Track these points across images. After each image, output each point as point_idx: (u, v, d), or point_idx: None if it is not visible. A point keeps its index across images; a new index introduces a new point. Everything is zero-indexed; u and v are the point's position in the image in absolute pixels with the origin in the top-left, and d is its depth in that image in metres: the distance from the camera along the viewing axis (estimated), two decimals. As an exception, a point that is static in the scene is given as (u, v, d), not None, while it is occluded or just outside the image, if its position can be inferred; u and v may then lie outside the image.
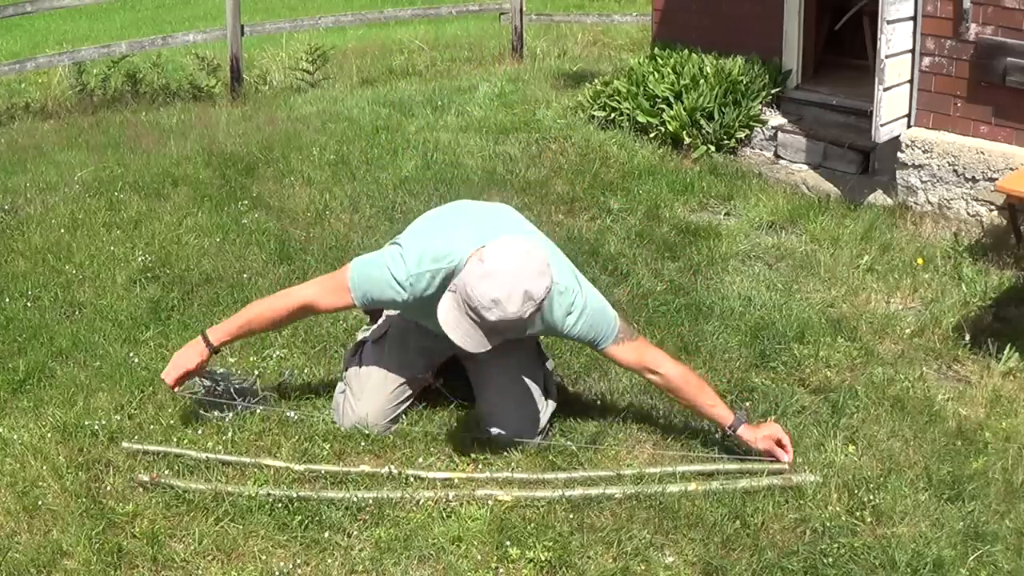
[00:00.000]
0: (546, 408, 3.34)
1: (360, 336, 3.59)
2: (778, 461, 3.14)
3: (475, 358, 3.38)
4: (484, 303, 2.78)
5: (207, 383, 3.38)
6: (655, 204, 5.39)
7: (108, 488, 3.03)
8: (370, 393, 3.34)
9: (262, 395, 3.46)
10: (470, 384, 3.45)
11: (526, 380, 3.31)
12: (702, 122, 6.22)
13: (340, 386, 3.46)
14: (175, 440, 3.26)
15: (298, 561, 2.79)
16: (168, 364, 3.26)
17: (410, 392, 3.40)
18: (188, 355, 3.24)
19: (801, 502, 3.00)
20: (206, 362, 3.26)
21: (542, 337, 3.52)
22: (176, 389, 3.26)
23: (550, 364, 3.51)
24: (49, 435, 3.28)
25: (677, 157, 6.14)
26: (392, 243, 3.15)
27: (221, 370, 3.47)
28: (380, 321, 3.52)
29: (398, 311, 3.33)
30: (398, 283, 3.02)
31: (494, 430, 3.28)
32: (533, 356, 3.41)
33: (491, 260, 2.83)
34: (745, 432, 3.17)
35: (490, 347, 2.88)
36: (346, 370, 3.48)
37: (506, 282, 2.78)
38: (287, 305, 3.21)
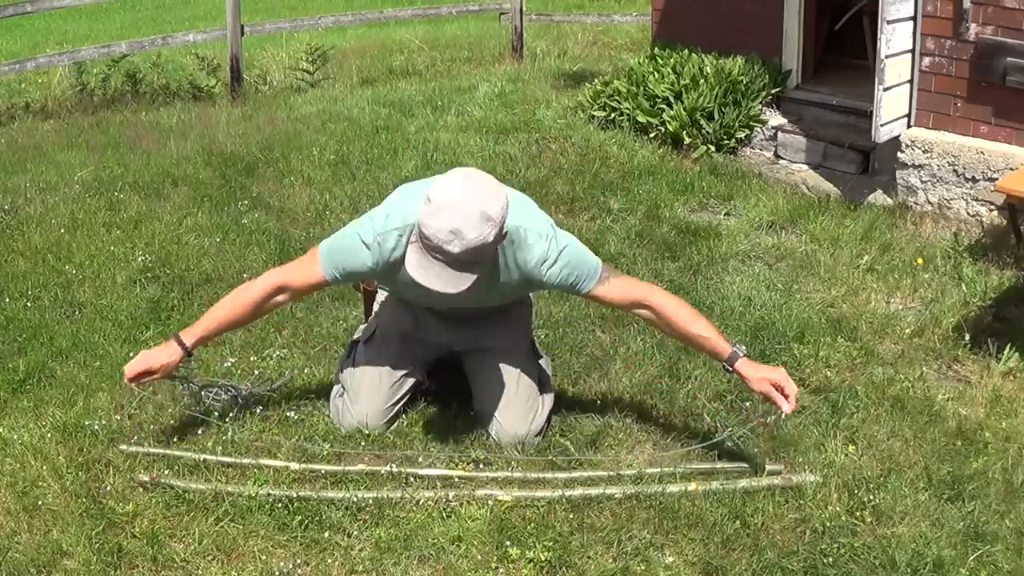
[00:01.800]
0: (543, 405, 3.34)
1: (353, 337, 3.59)
2: (776, 406, 2.97)
3: (471, 356, 3.39)
4: (443, 237, 2.68)
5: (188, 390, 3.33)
6: (655, 204, 5.39)
7: (108, 488, 3.03)
8: (366, 393, 3.34)
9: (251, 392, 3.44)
10: (467, 385, 3.45)
11: (522, 378, 3.31)
12: (702, 122, 6.22)
13: (336, 388, 3.47)
14: (175, 440, 3.26)
15: (298, 561, 2.79)
16: (136, 358, 3.11)
17: (406, 389, 3.39)
18: (158, 354, 3.09)
19: (801, 502, 3.00)
20: (177, 364, 3.13)
21: (537, 335, 3.52)
22: (133, 385, 3.10)
23: (547, 363, 3.51)
24: (49, 435, 3.28)
25: (677, 157, 6.14)
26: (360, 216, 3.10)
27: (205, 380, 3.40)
28: (371, 320, 3.52)
29: (379, 286, 3.23)
30: (365, 244, 2.95)
31: (492, 429, 3.28)
32: (528, 353, 3.41)
33: (438, 196, 2.72)
34: (743, 367, 2.98)
35: (468, 286, 2.76)
36: (341, 372, 3.48)
37: (459, 210, 2.69)
38: (260, 288, 3.10)
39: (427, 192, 2.75)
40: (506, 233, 2.86)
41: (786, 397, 2.95)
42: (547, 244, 2.96)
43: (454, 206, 2.69)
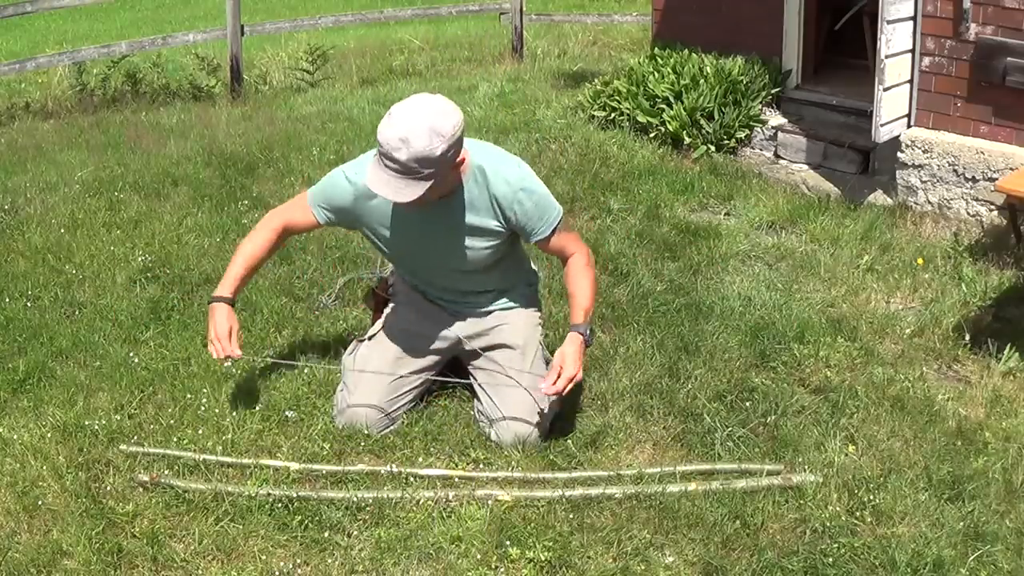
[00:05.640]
0: (549, 407, 3.33)
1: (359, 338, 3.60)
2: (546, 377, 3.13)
3: (476, 358, 3.40)
4: (393, 144, 2.88)
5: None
6: (655, 204, 5.39)
7: (108, 488, 3.03)
8: (363, 387, 3.34)
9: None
10: (467, 385, 3.46)
11: (530, 380, 3.31)
12: (702, 122, 6.22)
13: (339, 386, 3.47)
14: (175, 440, 3.27)
15: (298, 561, 2.79)
16: (212, 345, 3.25)
17: (407, 389, 3.39)
18: (219, 323, 3.27)
19: (801, 502, 3.00)
20: (234, 316, 3.31)
21: (543, 334, 3.52)
22: (238, 355, 3.28)
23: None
24: (49, 435, 3.28)
25: (677, 157, 6.14)
26: None
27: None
28: (377, 322, 3.53)
29: (356, 224, 3.37)
30: (345, 177, 3.22)
31: (494, 430, 3.28)
32: (538, 354, 3.41)
33: (396, 108, 2.95)
34: (568, 341, 3.15)
35: (418, 195, 2.93)
36: (343, 369, 3.49)
37: (410, 120, 2.89)
38: (266, 226, 3.38)
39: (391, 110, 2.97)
40: (480, 167, 3.13)
41: (559, 379, 3.09)
42: (520, 171, 3.18)
43: (407, 117, 2.91)
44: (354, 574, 2.78)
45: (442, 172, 2.96)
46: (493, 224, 3.20)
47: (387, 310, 3.55)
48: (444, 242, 3.24)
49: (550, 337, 3.91)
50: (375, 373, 3.35)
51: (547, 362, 3.47)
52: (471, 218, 3.19)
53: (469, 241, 3.23)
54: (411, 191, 2.93)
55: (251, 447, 3.25)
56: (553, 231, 3.22)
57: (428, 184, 2.93)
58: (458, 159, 3.01)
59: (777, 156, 6.26)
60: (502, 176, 3.15)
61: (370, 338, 3.49)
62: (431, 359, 3.44)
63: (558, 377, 3.10)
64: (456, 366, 3.54)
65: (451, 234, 3.22)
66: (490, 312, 3.45)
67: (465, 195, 3.16)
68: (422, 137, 2.87)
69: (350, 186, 3.21)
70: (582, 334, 3.17)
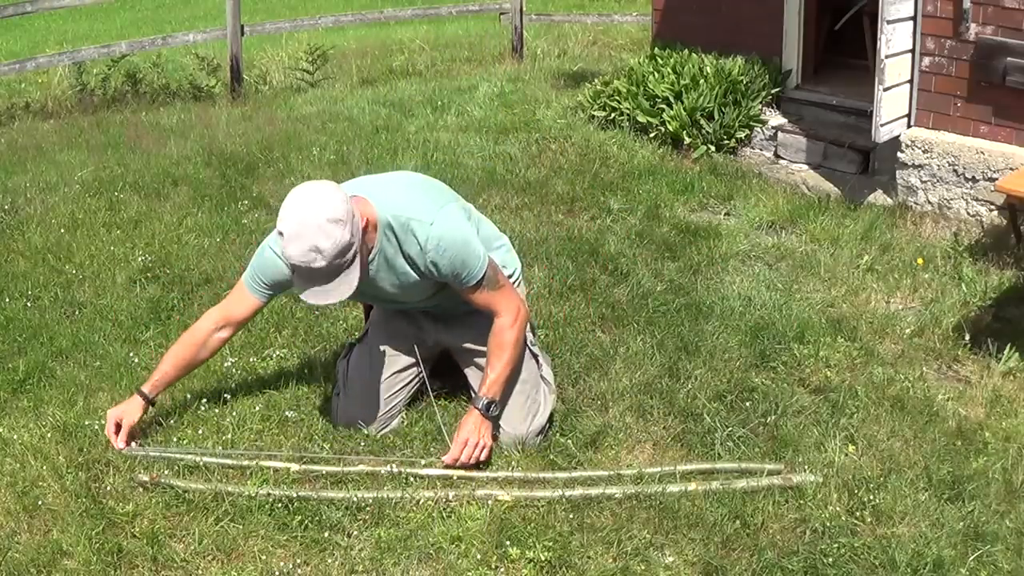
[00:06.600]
0: (544, 405, 3.34)
1: (351, 340, 3.60)
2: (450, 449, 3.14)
3: (468, 357, 3.40)
4: (308, 259, 2.81)
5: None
6: (655, 204, 5.39)
7: (108, 488, 3.03)
8: (358, 392, 3.36)
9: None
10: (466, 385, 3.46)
11: (522, 379, 3.31)
12: (702, 122, 6.22)
13: (336, 390, 3.47)
14: (175, 440, 3.27)
15: (298, 561, 2.79)
16: (107, 420, 3.22)
17: (400, 387, 3.40)
18: (120, 408, 3.23)
19: (801, 502, 3.00)
20: (141, 413, 3.24)
21: (539, 337, 3.52)
22: (125, 447, 3.19)
23: (547, 363, 3.51)
24: (49, 435, 3.28)
25: (677, 157, 6.14)
26: None
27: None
28: (367, 322, 3.54)
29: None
30: (273, 251, 3.09)
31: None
32: (526, 353, 3.40)
33: (284, 227, 2.83)
34: (468, 414, 3.16)
35: (358, 279, 2.88)
36: (337, 372, 3.50)
37: (306, 229, 2.80)
38: (203, 328, 3.27)
39: (277, 227, 2.87)
40: (389, 225, 3.03)
41: (465, 447, 3.11)
42: (427, 230, 3.03)
43: (301, 228, 2.81)
44: (354, 574, 2.78)
45: (360, 246, 2.91)
46: (415, 276, 3.13)
47: (374, 309, 3.55)
48: (381, 291, 3.19)
49: (550, 337, 3.92)
50: (368, 375, 3.36)
51: (536, 359, 3.44)
52: (395, 274, 3.12)
53: (404, 289, 3.18)
54: (350, 280, 2.88)
55: (251, 447, 3.25)
56: (477, 283, 3.11)
57: (357, 263, 2.89)
58: (362, 224, 2.94)
59: (777, 156, 6.26)
60: (412, 236, 3.04)
61: (360, 340, 3.49)
62: (420, 354, 3.43)
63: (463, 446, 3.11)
64: (455, 369, 3.53)
65: (384, 285, 3.16)
66: (466, 311, 3.40)
67: (381, 256, 3.08)
68: (327, 235, 2.80)
69: (280, 260, 3.04)
70: (478, 408, 3.16)
